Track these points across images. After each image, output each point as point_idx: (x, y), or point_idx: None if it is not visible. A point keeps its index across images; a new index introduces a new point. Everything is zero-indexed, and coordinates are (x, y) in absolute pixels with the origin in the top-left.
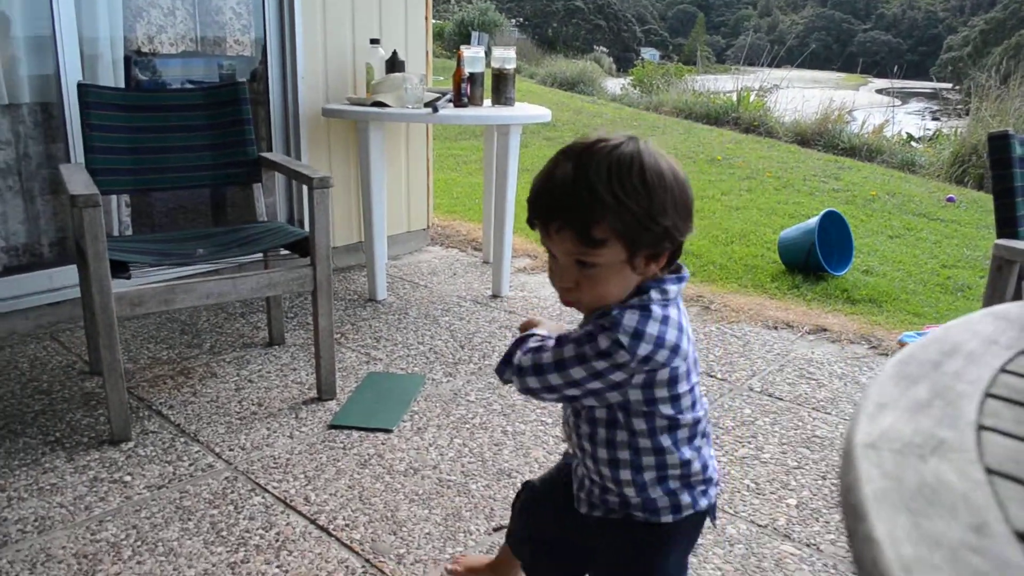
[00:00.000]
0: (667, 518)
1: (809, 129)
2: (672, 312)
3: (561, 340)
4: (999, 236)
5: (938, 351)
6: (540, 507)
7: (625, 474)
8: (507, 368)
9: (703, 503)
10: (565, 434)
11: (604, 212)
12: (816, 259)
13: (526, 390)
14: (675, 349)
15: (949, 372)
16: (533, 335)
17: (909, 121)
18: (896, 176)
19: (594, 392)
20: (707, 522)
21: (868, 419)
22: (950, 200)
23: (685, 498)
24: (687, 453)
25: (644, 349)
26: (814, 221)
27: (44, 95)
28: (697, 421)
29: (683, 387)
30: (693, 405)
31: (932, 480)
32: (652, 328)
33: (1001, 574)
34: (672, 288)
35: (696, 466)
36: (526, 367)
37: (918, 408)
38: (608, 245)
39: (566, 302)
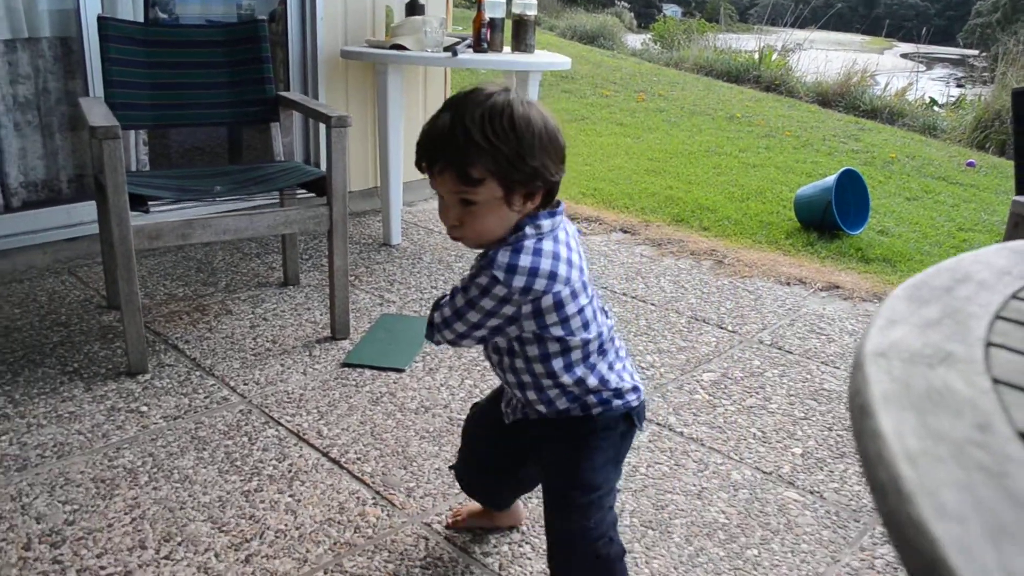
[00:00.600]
0: (577, 414)
1: (831, 90)
2: (547, 244)
3: (454, 291)
4: (1018, 193)
5: (950, 278)
6: (478, 423)
7: (531, 394)
8: (430, 329)
9: (616, 405)
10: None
11: (478, 153)
12: (832, 217)
13: (448, 342)
14: (552, 276)
15: (960, 296)
16: (444, 294)
17: (933, 88)
18: (917, 139)
19: (495, 329)
20: (635, 430)
21: (879, 332)
22: (970, 165)
23: (592, 399)
24: (579, 371)
25: (519, 281)
26: (832, 179)
27: (64, 29)
28: (588, 341)
29: (571, 309)
30: (585, 326)
31: (939, 385)
32: (524, 260)
33: (1002, 467)
34: (545, 222)
35: (592, 381)
36: (439, 324)
37: (928, 325)
38: (485, 184)
39: (454, 238)
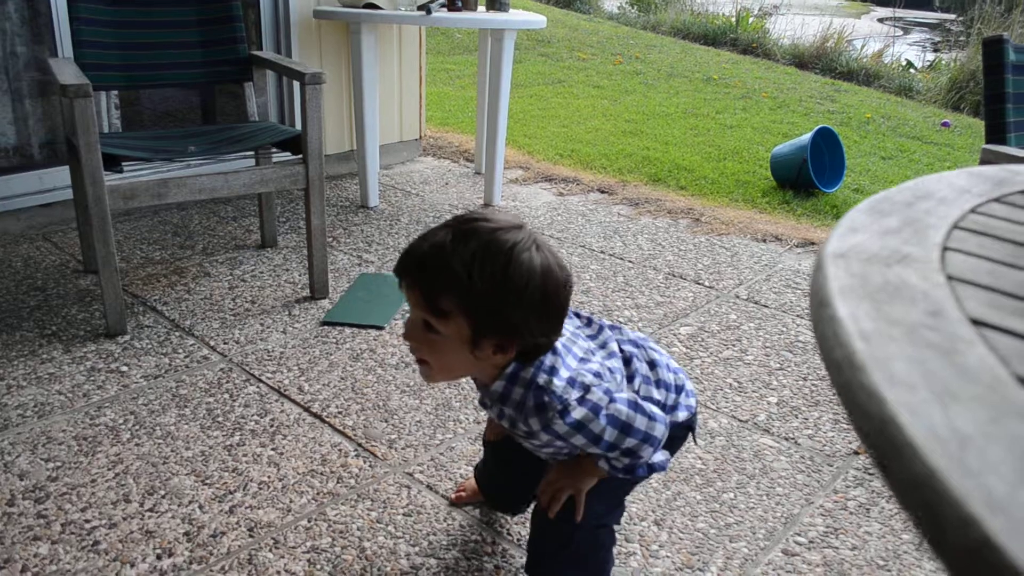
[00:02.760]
0: None
1: (807, 52)
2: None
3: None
4: (988, 142)
5: (911, 194)
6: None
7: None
8: (635, 472)
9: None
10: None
11: (452, 285)
12: (807, 175)
13: (660, 462)
14: (597, 374)
15: (920, 209)
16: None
17: (910, 52)
18: (893, 100)
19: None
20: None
21: (839, 238)
22: (945, 125)
23: None
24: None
25: (589, 378)
26: (807, 137)
27: None
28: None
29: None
30: (631, 379)
31: (895, 280)
32: (565, 371)
33: (952, 345)
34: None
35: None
36: (634, 463)
37: (887, 232)
38: (451, 318)
39: (420, 366)
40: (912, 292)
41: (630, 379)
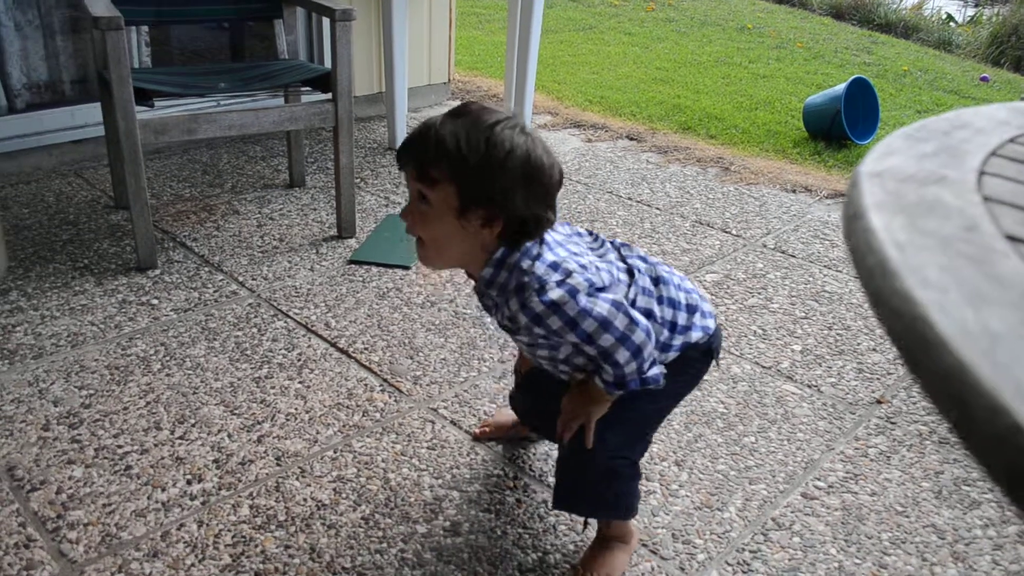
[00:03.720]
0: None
1: (845, 2)
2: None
3: (578, 329)
4: None
5: (949, 124)
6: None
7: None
8: (627, 385)
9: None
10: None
11: (442, 154)
12: (840, 127)
13: (640, 366)
14: (583, 266)
15: (958, 138)
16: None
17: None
18: (931, 54)
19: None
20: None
21: (875, 159)
22: (984, 80)
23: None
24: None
25: (572, 264)
26: (842, 87)
27: None
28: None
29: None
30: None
31: (931, 198)
32: (551, 256)
33: (985, 256)
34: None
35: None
36: (620, 373)
37: (924, 156)
38: (440, 185)
39: (418, 243)
40: (947, 209)
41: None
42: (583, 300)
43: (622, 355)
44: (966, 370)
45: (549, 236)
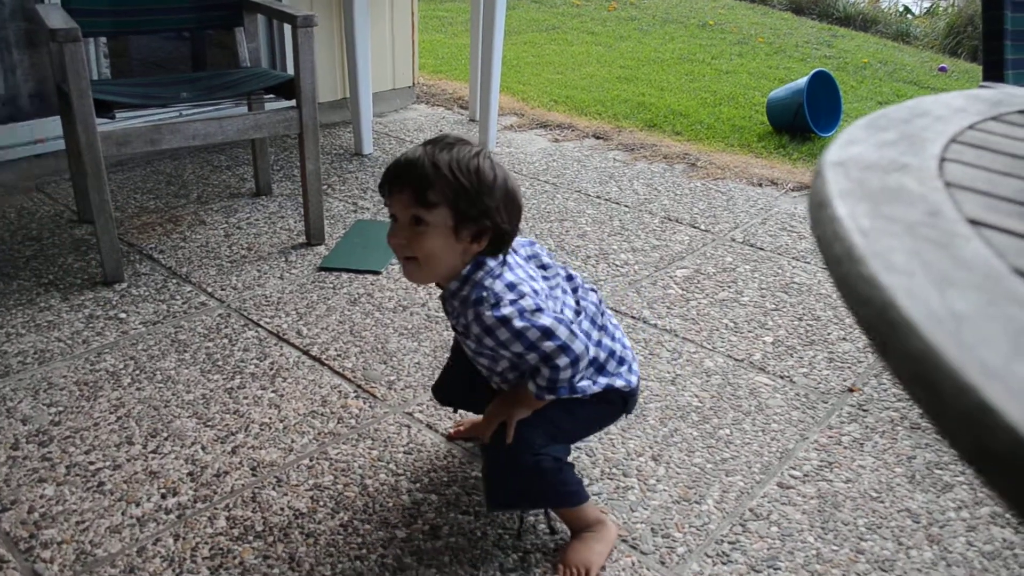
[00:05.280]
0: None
1: None
2: (504, 270)
3: (523, 338)
4: (985, 79)
5: (909, 112)
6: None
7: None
8: (558, 391)
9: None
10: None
11: (439, 180)
12: (804, 120)
13: (573, 375)
14: (535, 291)
15: (918, 125)
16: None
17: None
18: (890, 46)
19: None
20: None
21: (838, 149)
22: (942, 70)
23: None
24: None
25: (526, 288)
26: (803, 81)
27: None
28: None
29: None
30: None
31: (894, 185)
32: (510, 276)
33: (949, 240)
34: (493, 262)
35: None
36: (555, 376)
37: (885, 144)
38: (438, 208)
39: (405, 265)
40: (910, 195)
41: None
42: (529, 316)
43: (562, 360)
44: (933, 352)
45: (511, 258)
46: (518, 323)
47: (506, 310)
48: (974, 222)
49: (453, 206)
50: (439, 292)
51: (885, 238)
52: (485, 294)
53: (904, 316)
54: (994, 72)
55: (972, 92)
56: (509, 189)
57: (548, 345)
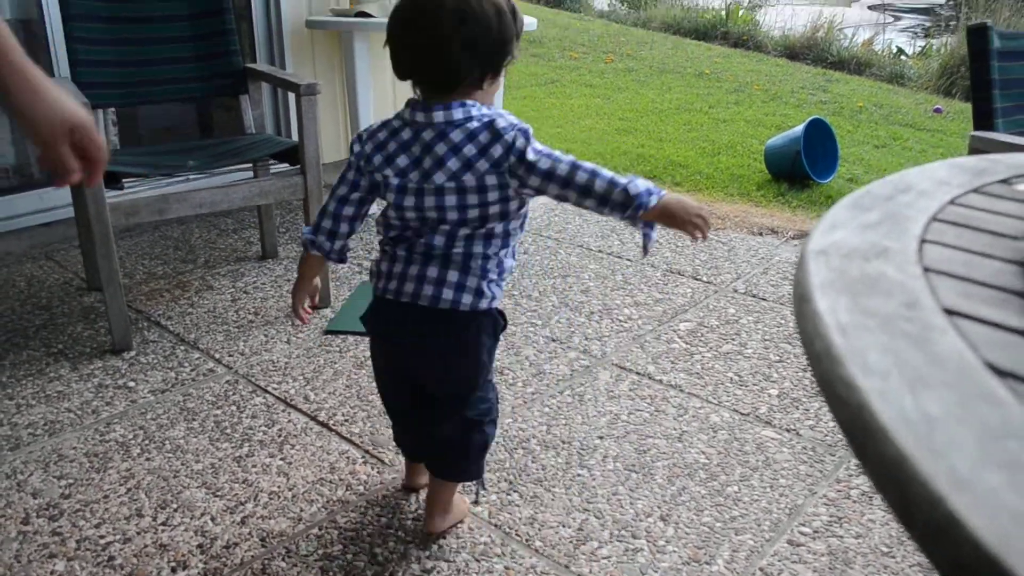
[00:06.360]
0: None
1: (798, 43)
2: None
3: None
4: (976, 128)
5: (892, 188)
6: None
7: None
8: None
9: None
10: None
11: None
12: (801, 167)
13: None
14: None
15: (901, 203)
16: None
17: (902, 38)
18: (884, 88)
19: None
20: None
21: (821, 234)
22: (937, 111)
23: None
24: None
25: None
26: (799, 129)
27: (25, 11)
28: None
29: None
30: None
31: (873, 273)
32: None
33: (925, 334)
34: None
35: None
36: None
37: (868, 227)
38: None
39: None
40: (889, 284)
41: None
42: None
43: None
44: (905, 459)
45: None
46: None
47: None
48: (950, 312)
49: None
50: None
51: (863, 335)
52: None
53: (878, 421)
54: (984, 121)
55: (955, 161)
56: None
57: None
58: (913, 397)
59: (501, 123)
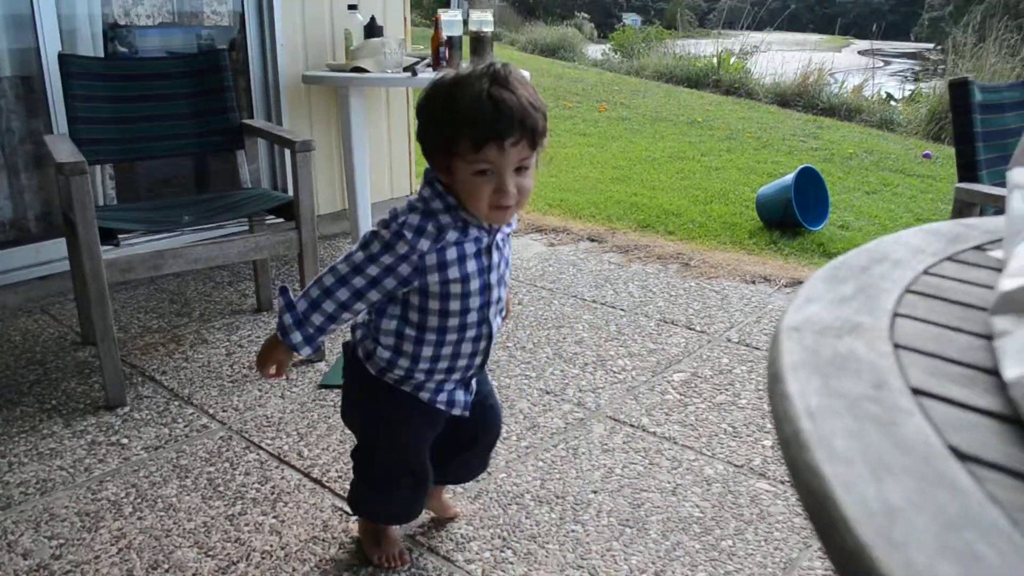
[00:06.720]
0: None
1: (789, 90)
2: None
3: None
4: (960, 180)
5: (868, 258)
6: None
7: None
8: None
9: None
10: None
11: (543, 119)
12: (793, 215)
13: None
14: None
15: (875, 274)
16: None
17: (892, 83)
18: (874, 134)
19: None
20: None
21: (795, 310)
22: (926, 156)
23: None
24: None
25: None
26: (790, 177)
27: (24, 68)
28: None
29: None
30: None
31: (844, 352)
32: None
33: (891, 416)
34: None
35: None
36: None
37: (842, 301)
38: (539, 145)
39: (501, 208)
40: (859, 363)
41: None
42: None
43: None
44: (864, 551)
45: None
46: None
47: None
48: (917, 391)
49: (543, 138)
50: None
51: (830, 419)
52: None
53: (841, 512)
54: (968, 173)
55: (931, 227)
56: None
57: None
58: (876, 485)
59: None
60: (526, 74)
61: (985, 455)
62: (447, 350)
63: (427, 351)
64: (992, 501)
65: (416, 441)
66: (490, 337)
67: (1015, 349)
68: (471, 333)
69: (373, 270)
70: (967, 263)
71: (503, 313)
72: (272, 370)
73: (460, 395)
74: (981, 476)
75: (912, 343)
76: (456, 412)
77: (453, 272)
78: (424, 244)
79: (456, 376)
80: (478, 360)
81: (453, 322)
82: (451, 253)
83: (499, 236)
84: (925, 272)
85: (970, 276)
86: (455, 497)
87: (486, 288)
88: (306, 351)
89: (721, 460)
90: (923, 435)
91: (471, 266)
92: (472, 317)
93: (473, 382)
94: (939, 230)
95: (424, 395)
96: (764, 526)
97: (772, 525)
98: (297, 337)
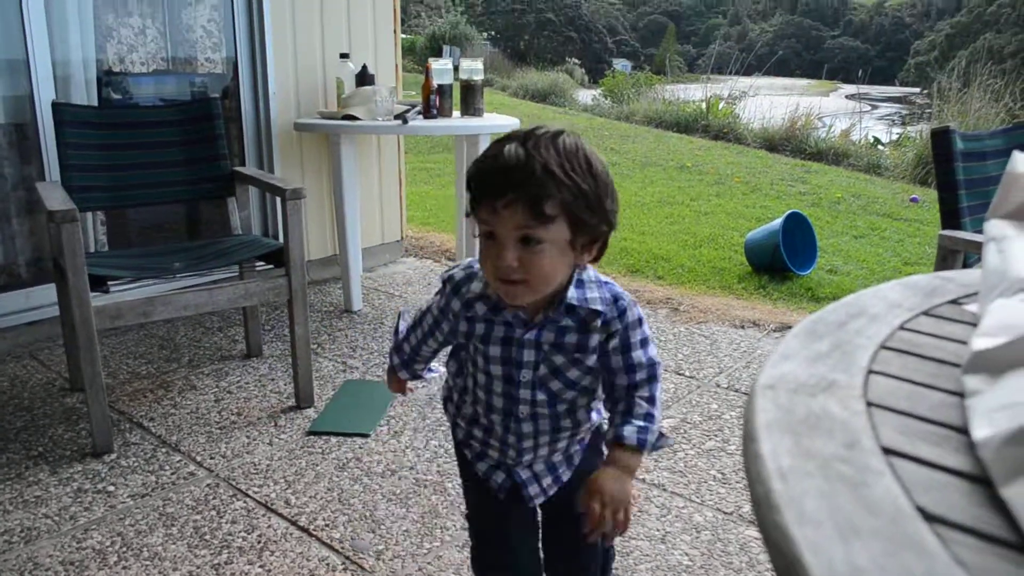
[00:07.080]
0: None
1: (777, 135)
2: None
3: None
4: (944, 227)
5: (845, 313)
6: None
7: (565, 443)
8: (655, 431)
9: None
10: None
11: (556, 188)
12: (781, 260)
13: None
14: None
15: (852, 330)
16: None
17: (879, 127)
18: (862, 178)
19: None
20: None
21: (771, 367)
22: (913, 200)
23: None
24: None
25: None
26: (778, 222)
27: (18, 115)
28: None
29: None
30: None
31: (818, 410)
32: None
33: (862, 477)
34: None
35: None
36: (654, 409)
37: (817, 358)
38: (555, 222)
39: (508, 284)
40: (831, 422)
41: None
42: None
43: (657, 390)
44: None
45: None
46: (646, 328)
47: (638, 310)
48: (888, 451)
49: (571, 216)
50: (498, 314)
51: (801, 480)
52: (619, 290)
53: (807, 574)
54: (952, 220)
55: (908, 281)
56: (611, 179)
57: (655, 357)
58: (844, 547)
59: None
60: (576, 142)
61: (952, 516)
62: (479, 408)
63: (465, 399)
64: (957, 563)
65: (475, 504)
66: (520, 436)
67: (985, 409)
68: (496, 417)
69: (429, 317)
70: (943, 318)
71: (566, 437)
72: (393, 387)
73: (499, 476)
74: (948, 538)
75: (885, 401)
76: (494, 487)
77: (479, 344)
78: (455, 304)
79: (493, 452)
80: (510, 451)
81: (481, 379)
82: (479, 328)
83: (544, 335)
84: (901, 327)
85: (945, 331)
86: None
87: (508, 381)
88: (403, 375)
89: (710, 507)
90: (892, 496)
91: (493, 351)
92: (497, 402)
93: (522, 473)
94: (917, 284)
95: (468, 453)
96: (754, 574)
97: (761, 573)
98: (395, 359)
